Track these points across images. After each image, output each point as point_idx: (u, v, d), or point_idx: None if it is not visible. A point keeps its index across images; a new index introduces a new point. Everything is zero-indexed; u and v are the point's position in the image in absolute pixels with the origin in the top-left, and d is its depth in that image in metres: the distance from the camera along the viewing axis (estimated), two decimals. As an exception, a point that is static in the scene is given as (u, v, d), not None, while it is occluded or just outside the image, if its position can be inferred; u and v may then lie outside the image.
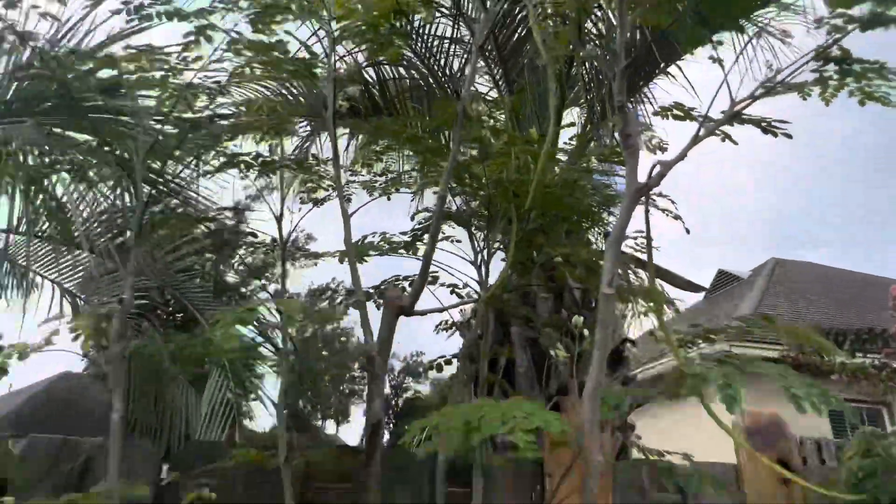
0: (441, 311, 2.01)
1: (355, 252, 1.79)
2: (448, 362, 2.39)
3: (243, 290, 11.81)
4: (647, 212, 1.45)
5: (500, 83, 4.73)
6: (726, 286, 11.75)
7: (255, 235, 2.21)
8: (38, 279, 5.03)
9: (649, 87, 4.78)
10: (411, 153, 2.87)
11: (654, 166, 1.37)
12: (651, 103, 4.74)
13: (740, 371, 1.13)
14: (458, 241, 2.88)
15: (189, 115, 2.25)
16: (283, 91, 2.50)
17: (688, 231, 2.45)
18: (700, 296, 11.29)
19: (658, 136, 3.36)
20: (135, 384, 5.52)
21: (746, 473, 3.12)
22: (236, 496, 2.18)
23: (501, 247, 2.33)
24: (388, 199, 2.73)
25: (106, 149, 2.73)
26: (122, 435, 1.38)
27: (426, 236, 2.78)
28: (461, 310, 2.47)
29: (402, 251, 2.56)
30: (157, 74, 1.82)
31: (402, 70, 4.46)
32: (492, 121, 2.46)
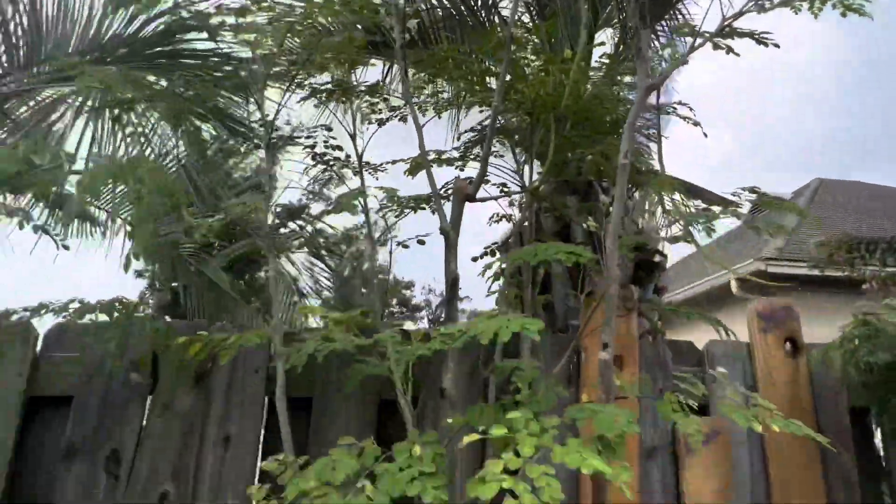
0: (495, 199, 2.65)
1: (425, 158, 2.38)
2: (500, 248, 3.02)
3: (282, 230, 12.65)
4: (658, 107, 1.98)
5: (532, 8, 5.12)
6: (766, 208, 12.03)
7: (340, 148, 2.81)
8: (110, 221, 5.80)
9: (684, 3, 5.12)
10: (450, 79, 3.37)
11: (661, 70, 1.89)
12: (685, 19, 5.09)
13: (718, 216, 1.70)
14: (502, 156, 3.49)
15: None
16: (347, 29, 3.03)
17: (705, 135, 2.94)
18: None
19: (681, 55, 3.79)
20: (209, 313, 6.42)
21: (757, 349, 3.73)
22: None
23: (538, 155, 2.89)
24: (439, 117, 3.31)
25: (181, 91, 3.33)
26: (276, 283, 2.06)
27: (474, 150, 3.37)
28: (511, 200, 3.09)
29: (454, 164, 3.18)
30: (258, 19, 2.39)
31: (433, 1, 4.89)
32: (530, 45, 2.95)
